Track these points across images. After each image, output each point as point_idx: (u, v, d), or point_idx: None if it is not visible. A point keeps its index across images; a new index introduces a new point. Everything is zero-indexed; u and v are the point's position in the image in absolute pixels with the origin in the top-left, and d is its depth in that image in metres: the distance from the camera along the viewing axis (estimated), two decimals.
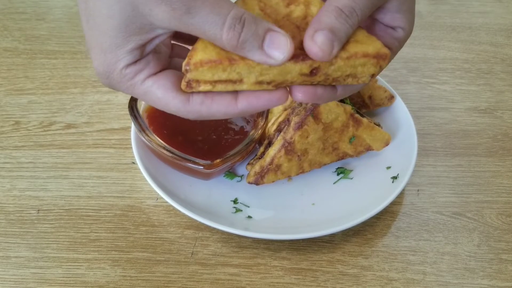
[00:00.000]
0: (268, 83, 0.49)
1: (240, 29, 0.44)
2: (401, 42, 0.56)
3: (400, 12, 0.54)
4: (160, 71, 0.51)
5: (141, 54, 0.49)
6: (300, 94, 0.51)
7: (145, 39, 0.48)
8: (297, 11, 0.50)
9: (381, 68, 0.51)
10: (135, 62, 0.49)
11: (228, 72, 0.48)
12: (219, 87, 0.49)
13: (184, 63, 0.48)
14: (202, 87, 0.49)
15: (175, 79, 0.51)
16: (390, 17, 0.55)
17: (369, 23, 0.57)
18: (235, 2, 0.49)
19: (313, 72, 0.48)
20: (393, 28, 0.56)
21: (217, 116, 0.51)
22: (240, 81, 0.48)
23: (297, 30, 0.50)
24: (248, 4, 0.50)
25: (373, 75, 0.52)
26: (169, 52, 0.55)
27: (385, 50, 0.50)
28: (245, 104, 0.50)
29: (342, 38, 0.47)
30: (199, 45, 0.48)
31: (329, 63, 0.48)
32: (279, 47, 0.45)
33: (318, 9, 0.50)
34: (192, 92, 0.50)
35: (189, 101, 0.50)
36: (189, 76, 0.48)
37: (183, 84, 0.49)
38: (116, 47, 0.48)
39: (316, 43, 0.46)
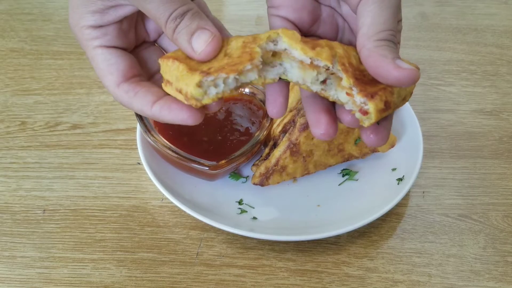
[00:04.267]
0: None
1: (178, 23, 0.53)
2: (399, 32, 0.58)
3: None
4: (118, 47, 0.58)
5: (102, 20, 0.56)
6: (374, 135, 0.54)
7: (107, 5, 0.55)
8: (324, 52, 0.52)
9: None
10: (95, 27, 0.56)
11: (170, 72, 0.53)
12: (168, 89, 0.54)
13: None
14: (168, 88, 0.54)
15: (127, 69, 0.57)
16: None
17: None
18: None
19: (386, 104, 0.50)
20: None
21: (134, 110, 0.57)
22: (170, 83, 0.54)
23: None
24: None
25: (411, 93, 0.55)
26: (134, 37, 0.61)
27: (415, 65, 0.53)
28: (158, 110, 0.55)
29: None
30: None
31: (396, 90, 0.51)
32: (201, 42, 0.52)
33: (342, 50, 0.53)
34: (128, 81, 0.57)
35: (118, 86, 0.56)
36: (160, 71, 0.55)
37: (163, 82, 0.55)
38: (82, 6, 0.55)
39: (407, 67, 0.48)
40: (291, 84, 0.91)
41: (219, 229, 0.81)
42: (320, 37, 0.62)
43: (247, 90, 0.91)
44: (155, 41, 0.65)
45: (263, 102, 0.88)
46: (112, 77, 0.57)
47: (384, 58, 0.49)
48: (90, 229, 0.82)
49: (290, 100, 0.89)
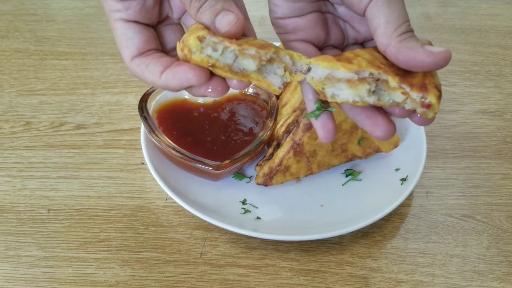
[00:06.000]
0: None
1: (203, 2, 0.52)
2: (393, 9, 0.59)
3: None
4: (138, 22, 0.58)
5: None
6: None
7: None
8: (363, 62, 0.53)
9: None
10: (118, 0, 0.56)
11: (190, 31, 0.53)
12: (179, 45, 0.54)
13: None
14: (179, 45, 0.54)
15: (142, 44, 0.58)
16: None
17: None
18: None
19: (438, 89, 0.51)
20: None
21: (147, 82, 0.57)
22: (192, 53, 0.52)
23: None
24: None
25: None
26: (158, 14, 0.61)
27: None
28: (165, 78, 0.55)
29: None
30: None
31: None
32: (224, 23, 0.52)
33: (368, 54, 0.54)
34: (141, 55, 0.57)
35: (132, 60, 0.57)
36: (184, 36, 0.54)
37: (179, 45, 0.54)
38: None
39: (438, 50, 0.50)
40: (294, 84, 0.91)
41: (223, 229, 0.81)
42: (334, 47, 0.63)
43: (250, 90, 0.91)
44: (179, 19, 0.65)
45: (267, 102, 0.88)
46: (128, 51, 0.57)
47: (413, 50, 0.50)
48: (94, 228, 0.83)
49: (293, 101, 0.90)
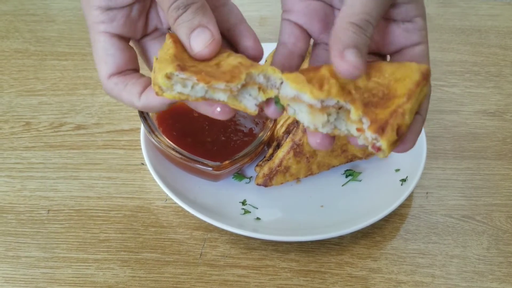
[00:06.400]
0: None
1: (180, 13, 0.51)
2: (425, 30, 0.56)
3: (412, 2, 0.54)
4: (122, 36, 0.57)
5: (111, 0, 0.54)
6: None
7: None
8: (333, 88, 0.51)
9: (429, 84, 0.53)
10: (104, 9, 0.55)
11: (163, 49, 0.53)
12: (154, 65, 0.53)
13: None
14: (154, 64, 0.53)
15: (123, 63, 0.56)
16: (404, 10, 0.54)
17: (382, 26, 0.56)
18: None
19: (399, 132, 0.49)
20: (410, 21, 0.55)
21: (124, 102, 0.57)
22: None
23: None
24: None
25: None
26: (144, 26, 0.60)
27: (425, 66, 0.51)
28: (145, 99, 0.55)
29: (364, 50, 0.49)
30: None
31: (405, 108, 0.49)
32: (199, 42, 0.51)
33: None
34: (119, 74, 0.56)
35: (109, 78, 0.56)
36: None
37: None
38: None
39: (349, 62, 0.47)
40: None
41: (223, 230, 0.81)
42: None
43: None
44: (169, 29, 0.63)
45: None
46: (106, 67, 0.56)
47: (337, 43, 0.48)
48: (94, 229, 0.83)
49: None
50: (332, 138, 0.53)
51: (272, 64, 0.57)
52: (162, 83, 0.50)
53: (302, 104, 0.51)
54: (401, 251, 0.81)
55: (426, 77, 0.51)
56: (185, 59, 0.51)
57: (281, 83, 0.52)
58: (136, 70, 0.59)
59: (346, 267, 0.79)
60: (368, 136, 0.49)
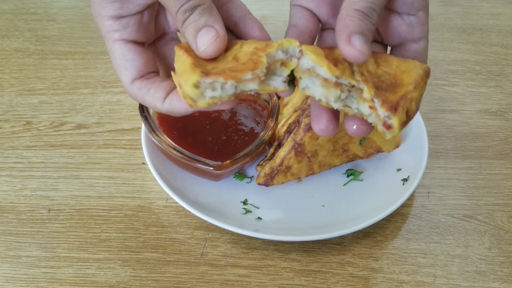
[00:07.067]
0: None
1: (188, 16, 0.52)
2: (427, 24, 0.58)
3: None
4: (137, 41, 0.58)
5: (122, 9, 0.56)
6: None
7: None
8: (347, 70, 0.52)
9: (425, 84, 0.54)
10: (115, 18, 0.56)
11: (179, 62, 0.54)
12: (175, 78, 0.54)
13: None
14: (175, 78, 0.54)
15: (142, 66, 0.57)
16: (409, 2, 0.56)
17: (387, 17, 0.58)
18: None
19: (408, 115, 0.51)
20: (414, 14, 0.56)
21: (148, 106, 0.58)
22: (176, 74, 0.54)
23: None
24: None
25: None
26: (155, 29, 0.61)
27: (426, 66, 0.53)
28: (168, 105, 0.56)
29: (370, 36, 0.51)
30: None
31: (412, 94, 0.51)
32: (204, 40, 0.52)
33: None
34: (141, 78, 0.57)
35: (132, 83, 0.57)
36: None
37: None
38: None
39: (356, 47, 0.49)
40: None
41: (224, 229, 0.81)
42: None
43: None
44: (177, 31, 0.64)
45: (268, 102, 0.88)
46: (127, 73, 0.57)
47: (344, 29, 0.50)
48: (95, 229, 0.82)
49: (295, 101, 0.90)
50: (337, 124, 0.54)
51: None
52: (192, 94, 0.50)
53: (316, 78, 0.52)
54: (403, 250, 0.81)
55: (427, 74, 0.53)
56: (204, 64, 0.52)
57: (300, 50, 0.53)
58: (156, 72, 0.60)
59: (348, 267, 0.79)
60: (380, 113, 0.50)
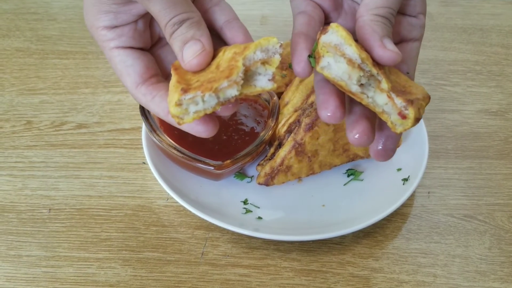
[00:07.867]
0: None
1: (176, 29, 0.53)
2: (424, 28, 0.61)
3: None
4: (134, 47, 0.58)
5: (116, 20, 0.57)
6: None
7: (118, 3, 0.56)
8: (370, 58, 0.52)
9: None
10: (109, 28, 0.57)
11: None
12: None
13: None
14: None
15: (143, 70, 0.58)
16: (413, 4, 0.59)
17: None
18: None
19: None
20: (415, 16, 0.60)
21: (152, 111, 0.59)
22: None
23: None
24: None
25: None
26: (150, 36, 0.61)
27: (427, 93, 0.55)
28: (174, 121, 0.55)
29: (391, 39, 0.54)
30: None
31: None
32: (190, 53, 0.53)
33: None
34: (145, 83, 0.58)
35: (136, 88, 0.57)
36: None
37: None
38: (94, 6, 0.56)
39: (391, 50, 0.51)
40: (295, 84, 0.91)
41: (224, 229, 0.81)
42: None
43: None
44: None
45: (268, 102, 0.88)
46: (130, 78, 0.57)
47: (374, 34, 0.51)
48: (95, 228, 0.82)
49: (295, 100, 0.89)
50: (343, 111, 0.53)
51: (294, 32, 0.57)
52: (176, 112, 0.50)
53: (341, 56, 0.51)
54: (403, 250, 0.81)
55: (429, 98, 0.55)
56: (188, 79, 0.52)
57: (280, 45, 0.53)
58: (158, 75, 0.60)
59: (348, 267, 0.79)
60: (397, 102, 0.51)
